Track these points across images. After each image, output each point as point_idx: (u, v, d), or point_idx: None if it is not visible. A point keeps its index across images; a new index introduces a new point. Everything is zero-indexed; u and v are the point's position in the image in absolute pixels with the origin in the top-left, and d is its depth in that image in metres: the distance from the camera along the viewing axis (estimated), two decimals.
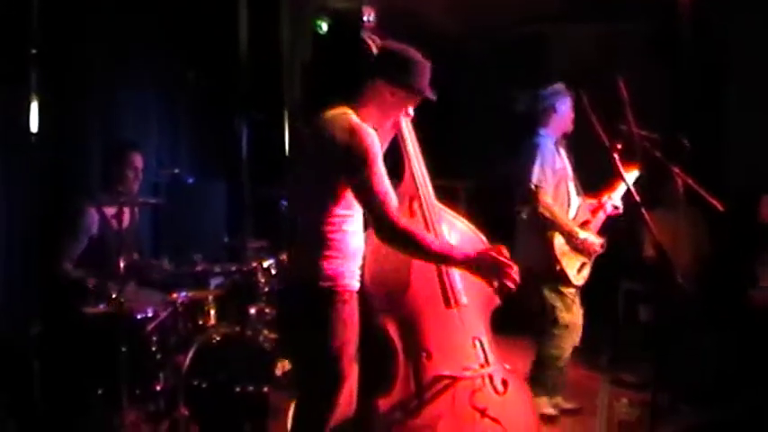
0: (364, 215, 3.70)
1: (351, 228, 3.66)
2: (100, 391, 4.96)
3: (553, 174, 5.82)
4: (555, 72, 8.02)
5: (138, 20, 6.72)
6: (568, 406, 6.06)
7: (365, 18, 4.00)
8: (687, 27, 8.41)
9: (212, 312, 5.42)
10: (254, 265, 5.51)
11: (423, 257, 3.72)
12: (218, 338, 5.21)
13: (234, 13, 8.08)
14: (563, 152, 6.01)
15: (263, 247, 5.79)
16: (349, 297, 3.66)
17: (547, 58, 9.33)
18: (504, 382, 4.08)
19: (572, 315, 5.89)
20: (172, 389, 5.00)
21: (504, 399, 4.06)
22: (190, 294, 5.31)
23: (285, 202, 5.49)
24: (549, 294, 5.88)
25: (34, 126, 5.59)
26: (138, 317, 5.16)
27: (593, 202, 6.04)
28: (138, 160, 5.70)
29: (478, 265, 3.66)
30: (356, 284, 3.71)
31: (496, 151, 9.07)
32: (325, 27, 8.43)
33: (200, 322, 5.37)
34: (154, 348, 5.17)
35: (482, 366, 4.04)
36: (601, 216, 5.99)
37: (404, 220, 3.58)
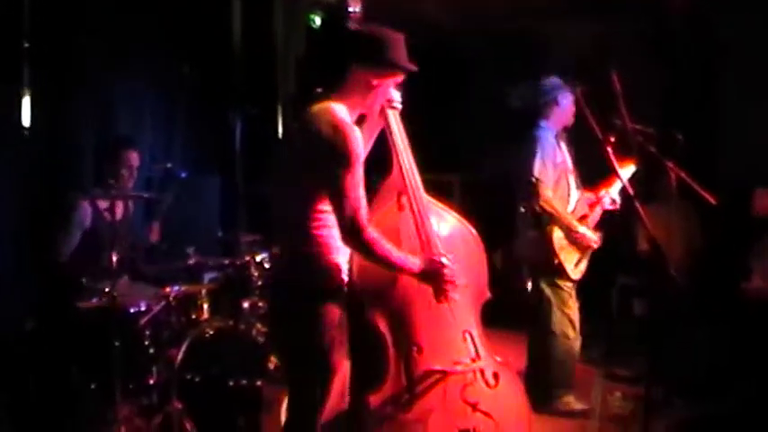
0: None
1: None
2: (93, 386, 4.96)
3: (554, 167, 5.83)
4: (550, 67, 8.03)
5: (131, 14, 6.70)
6: (579, 406, 6.04)
7: (350, 9, 3.98)
8: (682, 23, 8.42)
9: (205, 306, 5.41)
10: (248, 258, 5.52)
11: (381, 266, 3.71)
12: (211, 332, 5.21)
13: (228, 7, 8.07)
14: (563, 145, 6.01)
15: (256, 240, 5.80)
16: (338, 291, 3.66)
17: (542, 52, 9.33)
18: (496, 375, 4.08)
19: (569, 309, 5.90)
20: (165, 383, 4.99)
21: (495, 392, 4.05)
22: (183, 288, 5.28)
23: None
24: (546, 288, 5.89)
25: (26, 120, 5.58)
26: (131, 311, 5.15)
27: (591, 196, 6.04)
28: (135, 158, 5.69)
29: (427, 277, 3.80)
30: (344, 278, 3.70)
31: (490, 145, 9.09)
32: (318, 21, 8.41)
33: (194, 316, 5.36)
34: (147, 342, 5.15)
35: (473, 360, 4.03)
36: (598, 210, 6.00)
37: (370, 230, 3.56)
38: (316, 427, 3.66)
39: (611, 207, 6.01)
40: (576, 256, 5.86)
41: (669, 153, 5.17)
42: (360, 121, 3.87)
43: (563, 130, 6.02)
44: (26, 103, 5.61)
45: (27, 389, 5.11)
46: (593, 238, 5.85)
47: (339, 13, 3.99)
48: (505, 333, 5.78)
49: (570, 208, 5.90)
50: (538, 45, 9.39)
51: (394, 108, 4.05)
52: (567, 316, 5.90)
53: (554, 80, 5.99)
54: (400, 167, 4.04)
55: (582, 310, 5.99)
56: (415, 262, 3.75)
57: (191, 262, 5.48)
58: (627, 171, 5.79)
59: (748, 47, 7.79)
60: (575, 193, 5.96)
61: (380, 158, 4.07)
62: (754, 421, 5.52)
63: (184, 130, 7.60)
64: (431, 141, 5.93)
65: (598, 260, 6.01)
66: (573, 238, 5.80)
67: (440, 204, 4.21)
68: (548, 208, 5.73)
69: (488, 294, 4.28)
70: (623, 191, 5.67)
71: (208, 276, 5.83)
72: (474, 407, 3.97)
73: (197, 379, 4.96)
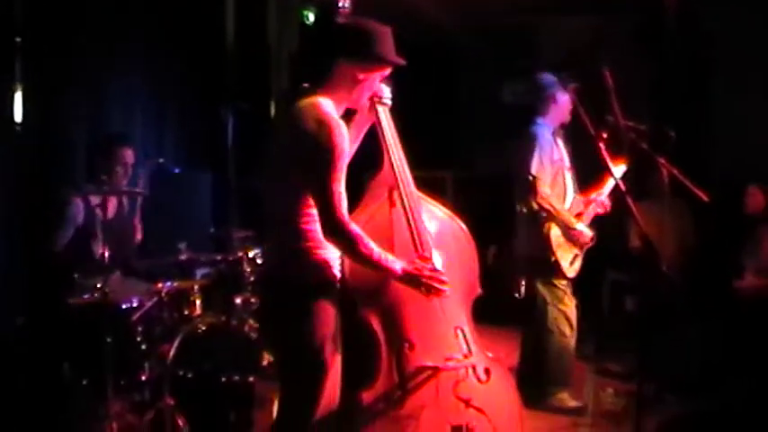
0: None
1: None
2: (85, 382, 4.95)
3: (551, 164, 5.83)
4: (543, 63, 8.04)
5: (124, 9, 6.69)
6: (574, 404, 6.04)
7: (340, 4, 3.97)
8: (673, 19, 8.43)
9: (198, 302, 5.39)
10: (240, 254, 5.51)
11: (363, 265, 3.66)
12: (203, 328, 5.19)
13: (221, 2, 8.06)
14: (560, 143, 6.01)
15: (248, 236, 5.78)
16: (329, 287, 3.64)
17: (535, 49, 9.34)
18: (487, 371, 4.07)
19: (564, 306, 5.91)
20: (157, 379, 4.97)
21: (487, 387, 4.05)
22: (175, 284, 5.28)
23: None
24: (541, 286, 5.89)
25: (18, 116, 5.57)
26: (123, 307, 5.14)
27: (583, 199, 6.04)
28: (129, 155, 5.69)
29: (410, 281, 3.75)
30: (336, 274, 3.68)
31: (483, 142, 9.11)
32: (311, 17, 8.40)
33: (186, 312, 5.34)
34: (139, 338, 5.14)
35: (465, 357, 4.02)
36: (593, 208, 5.99)
37: (352, 226, 3.53)
38: (308, 425, 3.65)
39: (600, 210, 6.01)
40: (571, 254, 5.86)
41: (661, 149, 5.18)
42: (349, 116, 3.85)
43: (560, 127, 6.02)
44: (18, 98, 5.60)
45: (18, 385, 5.10)
46: (590, 234, 5.86)
47: (329, 8, 3.97)
48: (497, 329, 5.79)
49: (567, 205, 5.90)
50: (530, 42, 9.41)
51: (384, 104, 4.03)
52: (564, 313, 5.91)
53: (552, 77, 5.98)
54: (391, 163, 4.03)
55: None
56: (395, 264, 3.69)
57: (183, 258, 5.46)
58: (618, 171, 5.79)
59: (741, 44, 7.81)
60: (571, 191, 5.97)
61: (371, 154, 4.05)
62: (746, 418, 5.53)
63: (177, 126, 7.60)
64: (424, 138, 5.95)
65: (590, 256, 6.01)
66: (570, 236, 5.81)
67: (431, 200, 4.20)
68: (545, 205, 5.73)
69: (479, 290, 4.27)
70: (615, 188, 5.67)
71: (200, 272, 5.82)
72: (466, 403, 3.95)
73: (189, 375, 4.93)
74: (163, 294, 5.18)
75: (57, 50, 5.97)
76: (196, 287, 5.43)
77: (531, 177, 5.70)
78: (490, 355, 4.19)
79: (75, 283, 5.26)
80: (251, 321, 5.27)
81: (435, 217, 4.17)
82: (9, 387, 5.07)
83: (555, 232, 5.77)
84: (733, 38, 7.90)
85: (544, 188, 5.74)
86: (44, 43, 5.78)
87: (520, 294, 6.14)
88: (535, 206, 5.75)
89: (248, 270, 5.50)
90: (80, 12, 6.20)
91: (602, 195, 5.98)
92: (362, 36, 3.66)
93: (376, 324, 3.89)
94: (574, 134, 5.94)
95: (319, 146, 3.45)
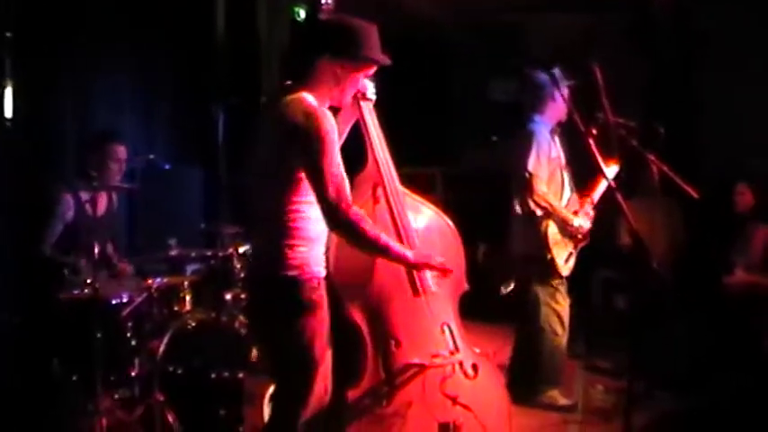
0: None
1: (313, 214, 3.57)
2: (74, 377, 4.95)
3: (548, 162, 5.82)
4: (534, 61, 8.04)
5: (115, 5, 6.68)
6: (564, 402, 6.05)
7: (323, 1, 3.96)
8: (665, 16, 8.44)
9: (188, 298, 5.40)
10: (230, 250, 5.50)
11: (369, 250, 3.66)
12: (193, 324, 5.20)
13: None
14: (557, 140, 6.00)
15: (238, 232, 5.78)
16: (317, 284, 3.62)
17: (525, 46, 9.35)
18: (475, 367, 4.08)
19: (557, 305, 5.91)
20: (147, 375, 4.98)
21: (474, 384, 4.06)
22: (165, 280, 5.28)
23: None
24: (536, 284, 5.89)
25: (8, 112, 5.56)
26: (114, 302, 5.13)
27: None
28: (122, 151, 5.69)
29: (416, 267, 3.82)
30: (323, 271, 3.67)
31: (473, 138, 9.12)
32: (302, 14, 8.39)
33: (176, 308, 5.35)
34: (129, 334, 5.14)
35: (452, 353, 4.03)
36: (589, 206, 5.98)
37: (354, 210, 3.50)
38: (298, 421, 3.65)
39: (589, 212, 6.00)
40: (566, 251, 5.85)
41: (651, 146, 5.19)
42: (333, 113, 3.84)
43: (557, 125, 6.01)
44: (8, 94, 5.59)
45: (8, 380, 5.10)
46: (588, 225, 5.85)
47: (315, 4, 3.97)
48: (487, 326, 5.80)
49: (563, 203, 5.89)
50: (522, 39, 9.41)
51: (368, 100, 4.03)
52: (556, 312, 5.90)
53: (550, 74, 5.96)
54: (375, 160, 4.03)
55: None
56: (406, 252, 3.72)
57: (173, 253, 5.46)
58: (610, 171, 5.78)
59: (730, 39, 7.82)
60: (568, 189, 5.96)
61: (356, 152, 4.04)
62: (736, 414, 5.55)
63: (167, 122, 7.59)
64: (414, 134, 5.95)
65: (580, 254, 6.01)
66: (568, 232, 5.79)
67: (416, 196, 4.20)
68: (542, 202, 5.71)
69: (466, 286, 4.28)
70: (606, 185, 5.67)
71: (190, 268, 5.82)
72: (454, 400, 3.96)
73: (179, 371, 4.94)
74: (153, 290, 5.17)
75: (47, 47, 5.95)
76: (186, 283, 5.44)
77: (527, 175, 5.69)
78: (477, 351, 4.20)
79: (64, 279, 5.26)
80: (241, 318, 5.26)
81: (421, 213, 4.17)
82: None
83: (552, 230, 5.76)
84: (724, 35, 7.92)
85: (541, 186, 5.73)
86: (34, 39, 5.77)
87: (512, 293, 6.14)
88: (532, 204, 5.74)
89: (238, 266, 5.50)
90: (70, 8, 6.19)
91: (598, 192, 5.97)
92: (347, 34, 3.64)
93: (362, 322, 3.90)
94: (568, 132, 5.93)
95: (309, 136, 3.44)
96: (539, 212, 5.73)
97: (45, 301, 5.19)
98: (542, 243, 5.77)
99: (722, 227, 6.98)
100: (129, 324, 5.15)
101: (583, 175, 6.00)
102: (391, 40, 3.77)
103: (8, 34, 5.54)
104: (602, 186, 5.91)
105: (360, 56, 3.66)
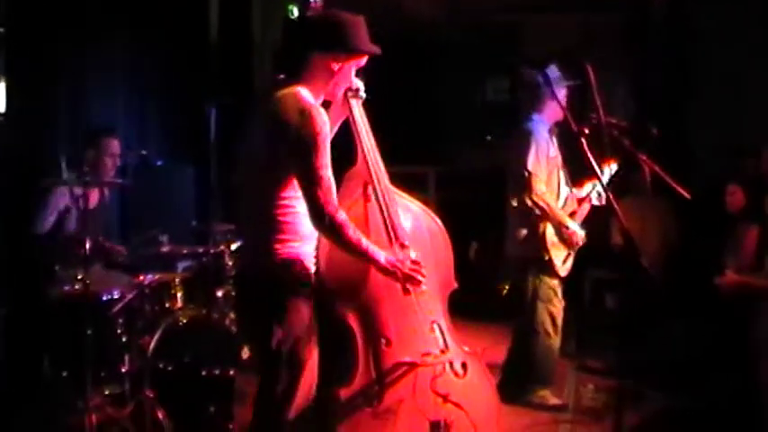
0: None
1: (304, 210, 3.56)
2: (65, 373, 4.94)
3: (547, 161, 5.80)
4: (528, 60, 8.05)
5: (108, 2, 6.68)
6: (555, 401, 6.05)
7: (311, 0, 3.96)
8: (660, 16, 8.46)
9: (179, 295, 5.40)
10: (222, 247, 5.51)
11: (351, 253, 3.66)
12: (184, 321, 5.20)
13: None
14: (555, 140, 5.99)
15: (230, 230, 5.78)
16: (306, 280, 3.63)
17: (518, 45, 9.36)
18: (464, 366, 4.08)
19: (552, 306, 5.90)
20: (137, 371, 4.98)
21: (464, 382, 4.05)
22: (157, 277, 5.28)
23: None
24: (532, 284, 5.88)
25: (2, 107, 5.55)
26: (105, 299, 5.14)
27: (579, 192, 6.02)
28: (116, 146, 5.72)
29: (392, 273, 3.76)
30: (312, 267, 3.67)
31: (466, 138, 9.12)
32: (296, 12, 8.38)
33: (167, 305, 5.35)
34: (120, 330, 5.15)
35: (442, 352, 4.02)
36: (586, 207, 5.98)
37: (340, 213, 3.53)
38: (283, 419, 3.65)
39: (597, 202, 5.98)
40: (564, 252, 5.84)
41: (643, 146, 5.19)
42: (324, 108, 3.84)
43: (555, 125, 6.00)
44: (2, 89, 5.58)
45: None
46: (582, 234, 5.84)
47: (303, 3, 3.98)
48: (478, 325, 5.81)
49: (560, 204, 5.88)
50: (516, 38, 9.42)
51: (358, 97, 4.04)
52: (551, 313, 5.88)
53: (544, 73, 5.95)
54: (365, 158, 4.02)
55: None
56: (380, 255, 3.70)
57: (164, 250, 5.47)
58: (609, 169, 5.78)
59: (724, 39, 7.83)
60: (565, 189, 5.95)
61: (345, 150, 4.04)
62: (728, 414, 5.55)
63: (159, 119, 7.59)
64: (406, 133, 5.94)
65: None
66: (563, 235, 5.79)
67: (405, 195, 4.18)
68: (540, 202, 5.69)
69: (455, 285, 4.26)
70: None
71: (182, 265, 5.82)
72: (444, 398, 3.95)
73: (170, 368, 4.93)
74: (144, 287, 5.17)
75: (40, 42, 5.95)
76: (177, 280, 5.44)
77: (526, 173, 5.68)
78: (467, 349, 4.19)
79: (55, 275, 5.25)
80: (232, 315, 5.27)
81: (410, 212, 4.16)
82: None
83: (550, 231, 5.75)
84: (718, 35, 7.93)
85: (540, 185, 5.71)
86: (27, 35, 5.76)
87: (508, 293, 6.14)
88: (530, 203, 5.72)
89: (230, 263, 5.52)
90: (63, 4, 6.18)
91: (596, 189, 5.96)
92: (335, 28, 3.67)
93: (352, 321, 3.88)
94: (563, 131, 5.93)
95: (302, 133, 3.45)
96: (536, 212, 5.72)
97: (35, 297, 5.18)
98: (540, 244, 5.76)
99: (713, 227, 6.98)
100: (120, 320, 5.16)
101: (582, 174, 6.01)
102: (385, 39, 3.80)
103: (1, 30, 5.52)
104: (590, 186, 5.92)
105: (350, 47, 3.68)
